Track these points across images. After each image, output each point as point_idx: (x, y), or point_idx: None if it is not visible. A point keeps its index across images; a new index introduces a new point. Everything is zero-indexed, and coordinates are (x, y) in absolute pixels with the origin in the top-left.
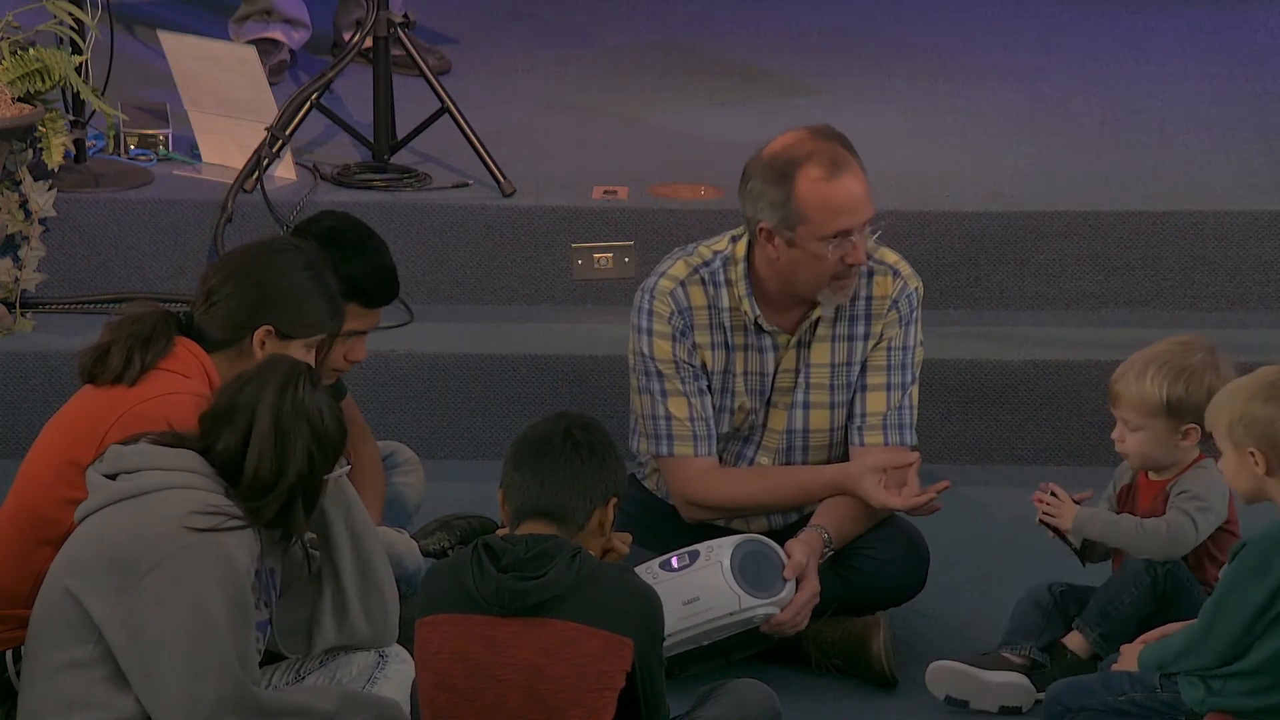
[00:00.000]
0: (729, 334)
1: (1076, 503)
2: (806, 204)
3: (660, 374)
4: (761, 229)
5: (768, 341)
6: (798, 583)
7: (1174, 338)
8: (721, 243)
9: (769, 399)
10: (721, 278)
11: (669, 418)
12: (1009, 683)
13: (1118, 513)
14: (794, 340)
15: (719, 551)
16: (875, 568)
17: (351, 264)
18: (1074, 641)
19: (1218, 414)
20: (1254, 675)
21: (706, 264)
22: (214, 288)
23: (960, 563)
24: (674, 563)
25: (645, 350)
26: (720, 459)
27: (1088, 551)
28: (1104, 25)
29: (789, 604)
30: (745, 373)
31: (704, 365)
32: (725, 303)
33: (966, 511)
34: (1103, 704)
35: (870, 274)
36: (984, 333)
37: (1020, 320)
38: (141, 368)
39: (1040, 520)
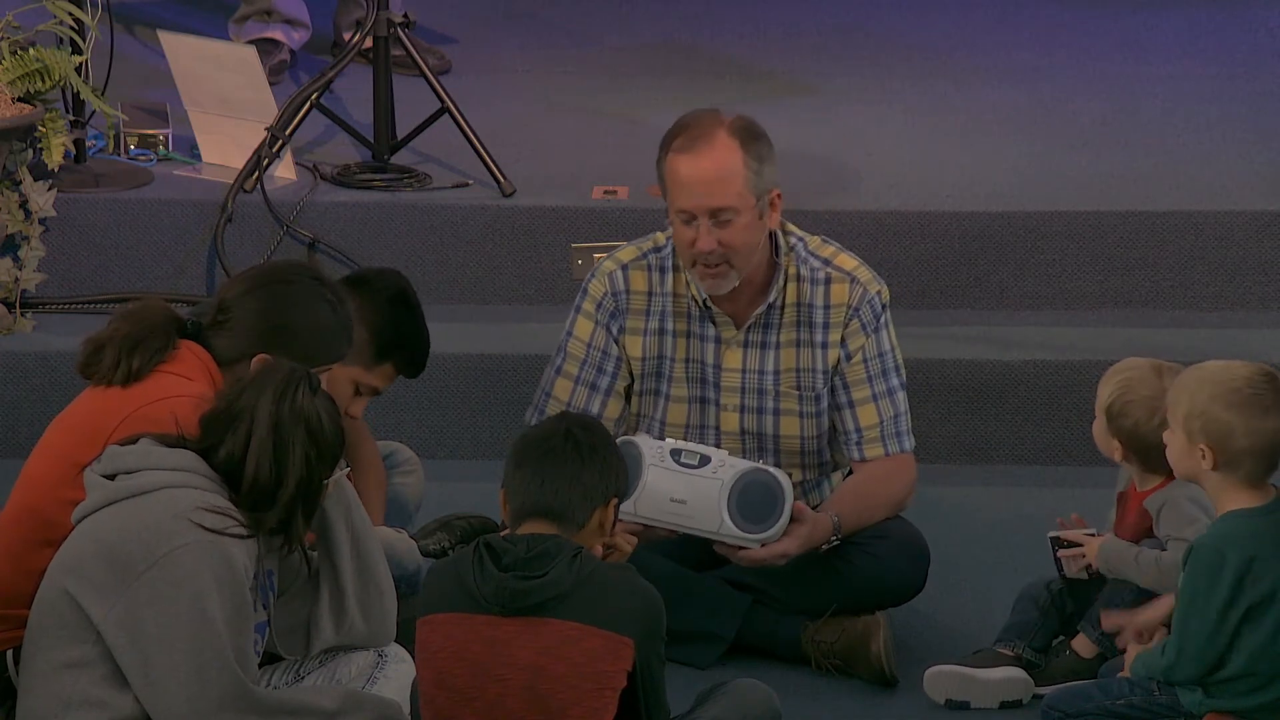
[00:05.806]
0: (670, 319)
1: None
2: (664, 173)
3: (567, 352)
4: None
5: (710, 331)
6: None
7: (1163, 363)
8: None
9: (717, 400)
10: (670, 263)
11: (549, 395)
12: (1007, 678)
13: (1116, 517)
14: (739, 339)
15: (727, 470)
16: (875, 568)
17: (412, 329)
18: (1079, 644)
19: (1179, 399)
20: (1244, 677)
21: (658, 249)
22: (228, 304)
23: (960, 563)
24: (683, 457)
25: (568, 326)
26: None
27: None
28: (1104, 25)
29: (764, 548)
30: (687, 359)
31: (623, 357)
32: (671, 287)
33: (966, 511)
34: (1100, 709)
35: (828, 281)
36: (984, 333)
37: (1020, 320)
38: (130, 373)
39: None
